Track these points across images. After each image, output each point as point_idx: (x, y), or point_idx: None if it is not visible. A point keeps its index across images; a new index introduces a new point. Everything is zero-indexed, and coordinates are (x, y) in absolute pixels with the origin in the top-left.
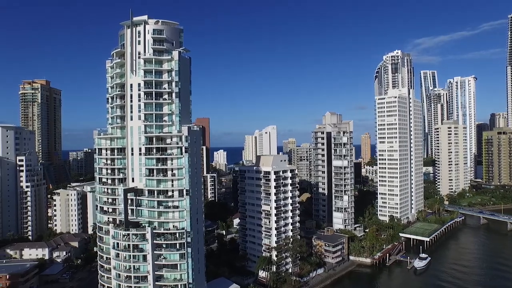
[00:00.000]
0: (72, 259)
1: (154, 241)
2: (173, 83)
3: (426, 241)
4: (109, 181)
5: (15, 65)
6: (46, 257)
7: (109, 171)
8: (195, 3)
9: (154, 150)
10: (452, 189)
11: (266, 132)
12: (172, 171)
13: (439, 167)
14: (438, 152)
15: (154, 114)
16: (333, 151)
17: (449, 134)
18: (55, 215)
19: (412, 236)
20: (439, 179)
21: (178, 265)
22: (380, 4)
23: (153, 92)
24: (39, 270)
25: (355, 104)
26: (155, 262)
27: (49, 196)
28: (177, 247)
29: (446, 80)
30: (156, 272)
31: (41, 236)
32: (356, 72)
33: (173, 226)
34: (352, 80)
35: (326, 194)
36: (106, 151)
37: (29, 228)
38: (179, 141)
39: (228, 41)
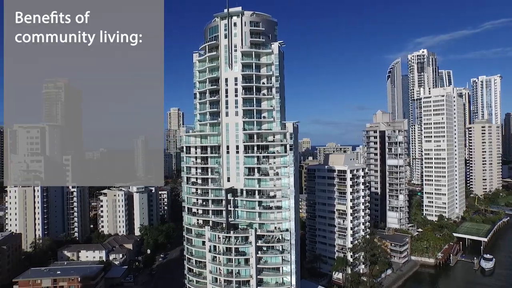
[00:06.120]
0: (128, 261)
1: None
2: (273, 78)
3: (484, 242)
4: (199, 181)
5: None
6: (104, 259)
7: (199, 171)
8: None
9: (255, 148)
10: (486, 189)
11: None
12: (274, 170)
13: (472, 166)
14: (471, 152)
15: (254, 110)
16: (387, 150)
17: (482, 133)
18: (101, 216)
19: (467, 236)
20: (472, 178)
21: (280, 268)
22: (379, 4)
23: (253, 87)
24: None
25: (355, 104)
26: (257, 266)
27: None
28: (280, 249)
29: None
30: (257, 276)
31: (89, 238)
32: (355, 72)
33: (275, 227)
34: (351, 80)
35: (380, 193)
36: (196, 149)
37: (76, 229)
38: (283, 138)
39: None
